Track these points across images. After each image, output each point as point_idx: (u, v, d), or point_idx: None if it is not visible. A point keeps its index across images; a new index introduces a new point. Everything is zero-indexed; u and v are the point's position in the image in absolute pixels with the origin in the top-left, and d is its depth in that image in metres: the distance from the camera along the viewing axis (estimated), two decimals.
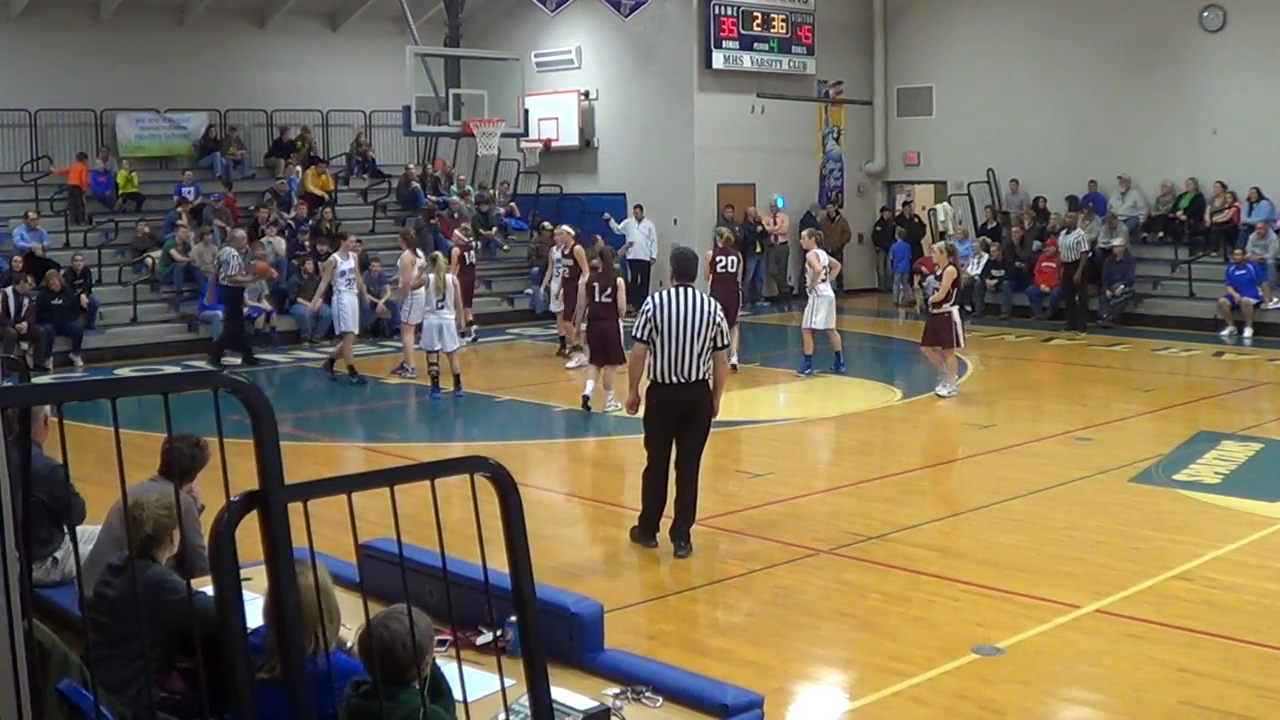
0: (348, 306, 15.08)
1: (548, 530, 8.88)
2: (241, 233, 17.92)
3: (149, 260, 18.86)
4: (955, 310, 13.63)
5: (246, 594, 2.44)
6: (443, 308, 13.67)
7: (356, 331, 15.47)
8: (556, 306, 16.85)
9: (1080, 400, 14.52)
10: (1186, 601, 7.15)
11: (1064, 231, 20.12)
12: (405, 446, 11.80)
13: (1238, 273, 18.64)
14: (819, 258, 15.19)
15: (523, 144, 22.77)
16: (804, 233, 16.42)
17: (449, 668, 3.40)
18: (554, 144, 23.70)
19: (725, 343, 8.07)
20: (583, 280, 14.30)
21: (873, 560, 8.03)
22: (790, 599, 7.37)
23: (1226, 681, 6.00)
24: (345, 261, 15.20)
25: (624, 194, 23.12)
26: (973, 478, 10.33)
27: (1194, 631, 6.67)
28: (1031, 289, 20.66)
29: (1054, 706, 5.95)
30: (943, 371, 13.90)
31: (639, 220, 21.74)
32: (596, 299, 13.10)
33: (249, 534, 2.25)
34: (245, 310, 17.18)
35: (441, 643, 4.07)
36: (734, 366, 13.74)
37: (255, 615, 3.63)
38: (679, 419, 8.03)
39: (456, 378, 13.96)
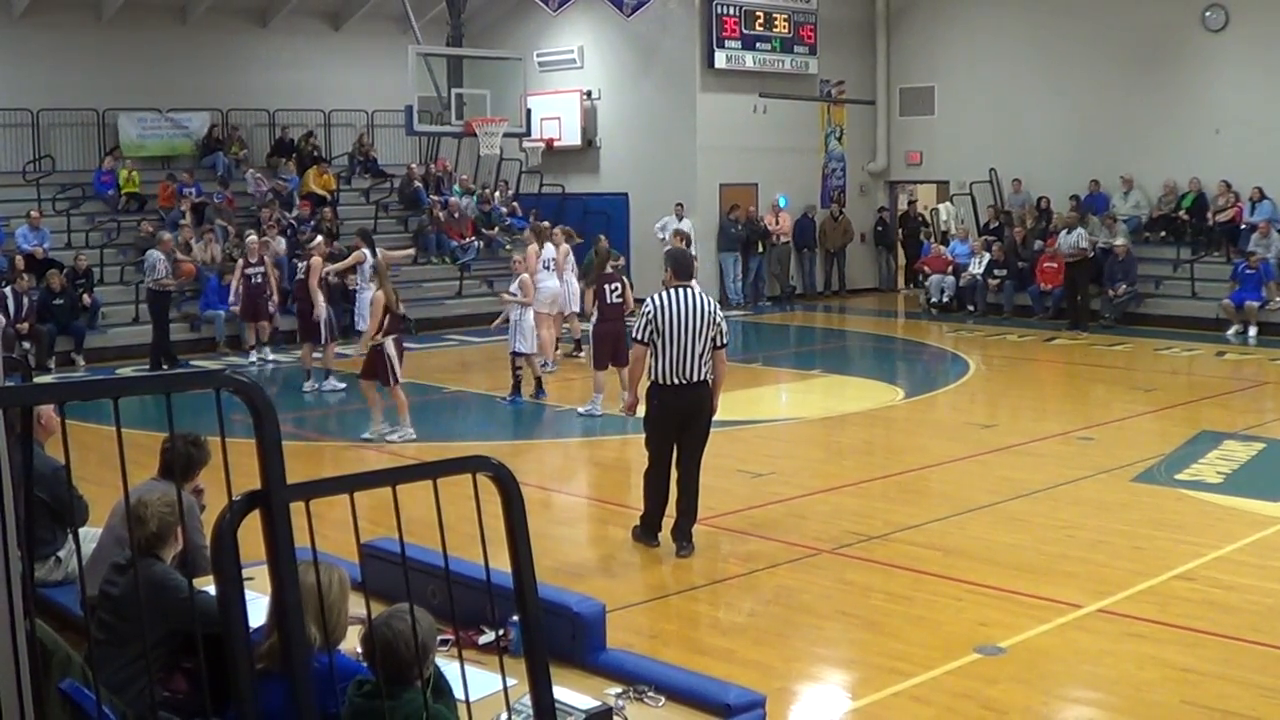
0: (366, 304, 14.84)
1: (550, 530, 8.89)
2: (167, 235, 17.50)
3: (145, 261, 18.84)
4: (390, 342, 11.72)
5: (248, 594, 2.44)
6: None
7: None
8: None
9: (1082, 400, 14.53)
10: (1189, 601, 7.15)
11: (1065, 231, 20.12)
12: (407, 446, 11.79)
13: (1248, 272, 18.59)
14: None
15: (525, 143, 22.77)
16: (670, 232, 16.02)
17: (451, 667, 3.41)
18: (556, 144, 23.70)
19: (725, 342, 8.06)
20: (563, 276, 13.96)
21: (875, 560, 8.03)
22: (792, 599, 7.37)
23: (1229, 681, 5.99)
24: (375, 258, 14.96)
25: (626, 194, 23.15)
26: (975, 477, 10.33)
27: (1196, 631, 6.67)
28: (1034, 288, 20.66)
29: (1056, 706, 5.95)
30: (387, 412, 12.22)
31: (680, 219, 21.64)
32: (607, 300, 12.98)
33: (251, 534, 2.25)
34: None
35: (444, 642, 4.08)
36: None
37: (257, 615, 3.63)
38: (680, 420, 8.02)
39: (538, 380, 13.75)
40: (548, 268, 15.57)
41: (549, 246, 15.76)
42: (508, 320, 13.65)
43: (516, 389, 13.61)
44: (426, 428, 13.31)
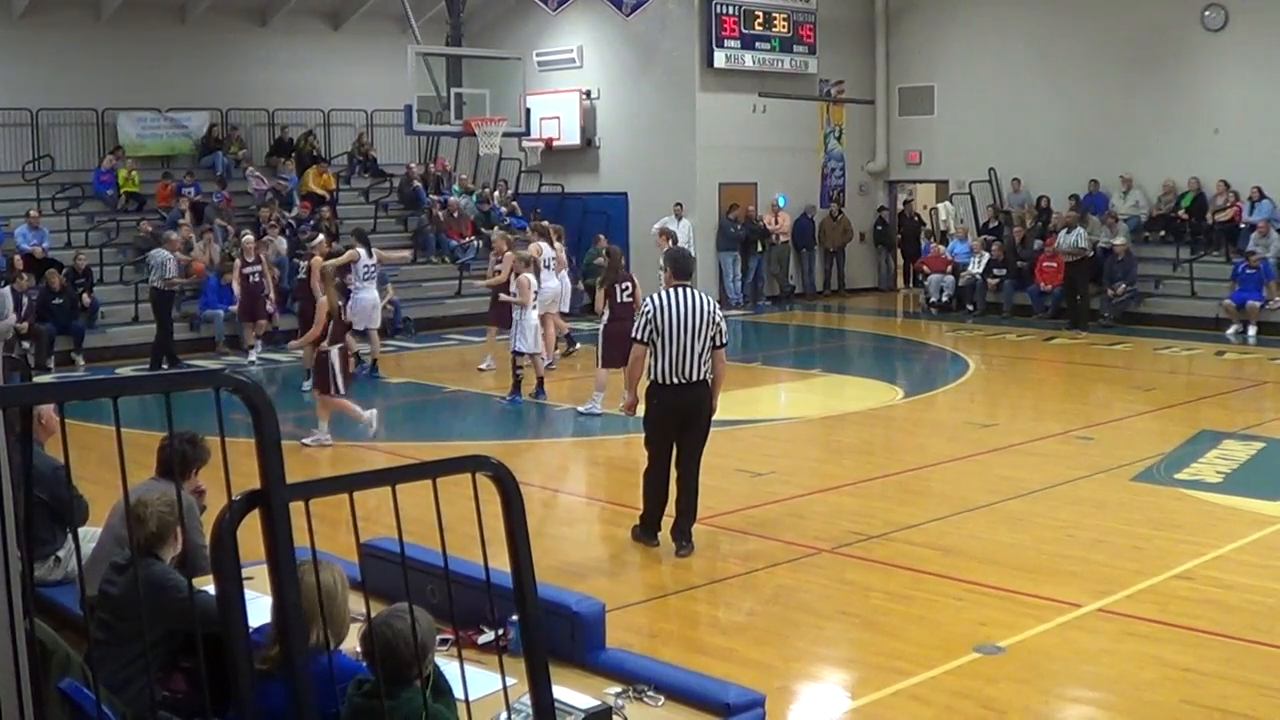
0: (366, 302, 14.88)
1: (549, 529, 8.89)
2: (175, 235, 17.59)
3: (150, 260, 18.84)
4: (336, 351, 11.37)
5: (248, 593, 2.44)
6: (534, 306, 13.50)
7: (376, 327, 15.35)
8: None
9: (1082, 399, 14.52)
10: (1188, 600, 7.15)
11: (1064, 231, 20.13)
12: (407, 445, 11.80)
13: (1248, 271, 18.59)
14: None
15: (524, 143, 22.76)
16: (657, 233, 15.87)
17: (451, 667, 3.41)
18: (555, 143, 23.69)
19: (725, 341, 8.06)
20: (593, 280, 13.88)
21: (874, 559, 8.03)
22: (792, 598, 7.37)
23: (1229, 681, 5.99)
24: (369, 258, 15.05)
25: (625, 193, 23.13)
26: (974, 477, 10.33)
27: (1196, 631, 6.67)
28: (1033, 288, 20.66)
29: (1056, 706, 5.95)
30: (347, 418, 11.75)
31: (679, 219, 21.66)
32: (618, 299, 12.90)
33: (251, 533, 2.25)
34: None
35: (443, 642, 4.08)
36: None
37: (256, 614, 3.64)
38: (680, 419, 8.02)
39: (539, 380, 13.80)
40: (548, 266, 15.55)
41: (547, 246, 15.75)
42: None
43: (517, 388, 13.61)
44: (426, 427, 13.34)
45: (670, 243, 15.01)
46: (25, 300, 16.53)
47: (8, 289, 16.44)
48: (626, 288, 12.93)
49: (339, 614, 3.79)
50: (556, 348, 16.08)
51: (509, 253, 15.01)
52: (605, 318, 12.92)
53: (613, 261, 13.42)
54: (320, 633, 3.63)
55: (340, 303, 11.72)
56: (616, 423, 12.15)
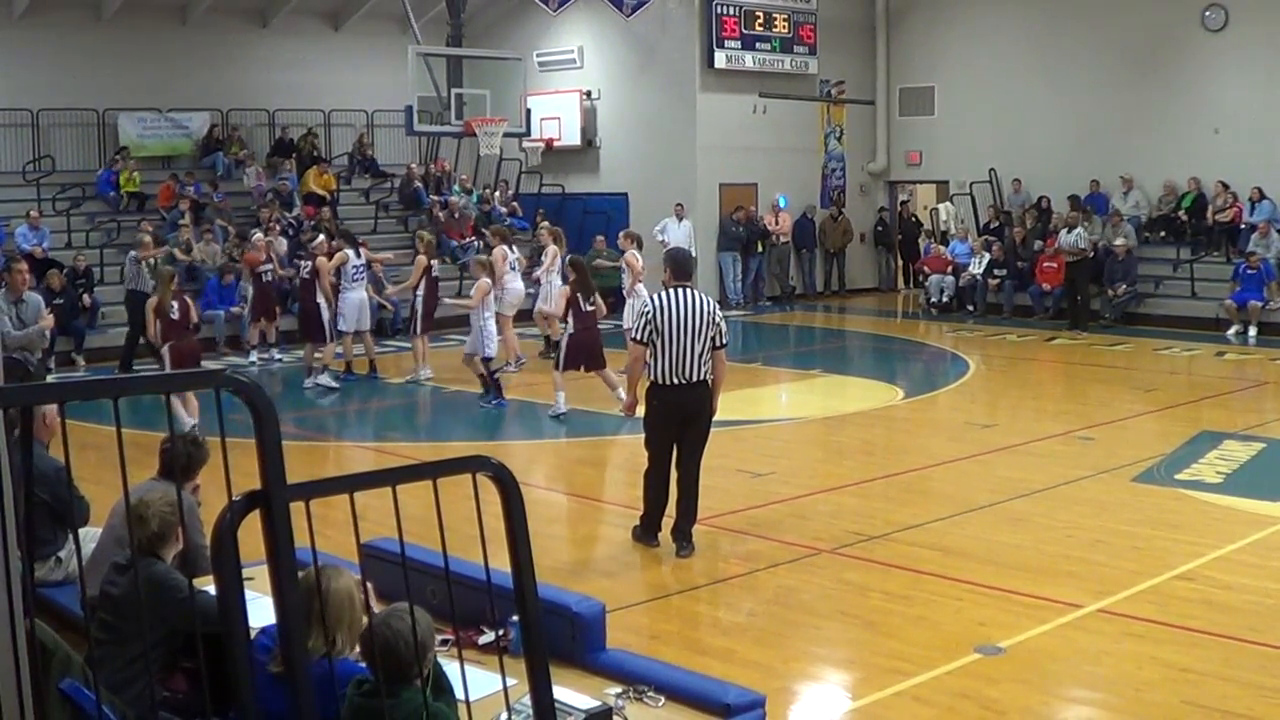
0: (354, 304, 14.94)
1: (550, 530, 8.89)
2: (148, 238, 17.23)
3: (151, 260, 18.80)
4: (168, 349, 11.35)
5: (248, 593, 2.45)
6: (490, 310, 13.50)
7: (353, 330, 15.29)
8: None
9: (1082, 400, 14.51)
10: (1188, 601, 7.15)
11: (1064, 230, 20.14)
12: (407, 446, 11.80)
13: (1249, 272, 18.59)
14: (638, 259, 15.03)
15: (525, 143, 22.75)
16: (621, 234, 15.97)
17: (451, 667, 3.41)
18: (556, 144, 23.69)
19: (725, 342, 8.06)
20: (559, 288, 13.56)
21: (874, 560, 8.03)
22: (792, 598, 7.37)
23: (1228, 681, 5.99)
24: (358, 259, 15.09)
25: (626, 194, 23.13)
26: (975, 477, 10.33)
27: (1196, 631, 6.67)
28: (1034, 288, 20.66)
29: (1056, 706, 5.95)
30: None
31: (680, 219, 21.64)
32: (581, 308, 12.50)
33: (251, 534, 2.25)
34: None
35: (444, 642, 4.08)
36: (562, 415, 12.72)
37: (256, 614, 3.64)
38: (680, 420, 8.03)
39: (495, 383, 13.72)
40: (513, 269, 15.60)
41: (510, 250, 15.74)
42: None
43: (499, 391, 13.60)
44: (426, 428, 13.33)
45: (634, 245, 15.13)
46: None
47: (39, 294, 16.40)
48: (591, 297, 12.65)
49: (354, 621, 3.80)
50: (541, 353, 16.05)
51: (421, 255, 15.02)
52: (569, 326, 12.49)
53: (579, 271, 13.03)
54: (341, 638, 3.68)
55: (174, 303, 11.59)
56: (614, 423, 12.15)
